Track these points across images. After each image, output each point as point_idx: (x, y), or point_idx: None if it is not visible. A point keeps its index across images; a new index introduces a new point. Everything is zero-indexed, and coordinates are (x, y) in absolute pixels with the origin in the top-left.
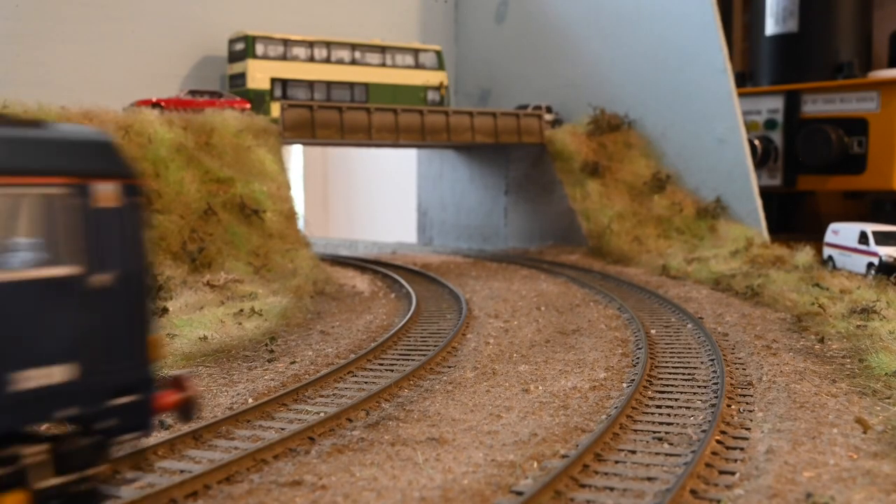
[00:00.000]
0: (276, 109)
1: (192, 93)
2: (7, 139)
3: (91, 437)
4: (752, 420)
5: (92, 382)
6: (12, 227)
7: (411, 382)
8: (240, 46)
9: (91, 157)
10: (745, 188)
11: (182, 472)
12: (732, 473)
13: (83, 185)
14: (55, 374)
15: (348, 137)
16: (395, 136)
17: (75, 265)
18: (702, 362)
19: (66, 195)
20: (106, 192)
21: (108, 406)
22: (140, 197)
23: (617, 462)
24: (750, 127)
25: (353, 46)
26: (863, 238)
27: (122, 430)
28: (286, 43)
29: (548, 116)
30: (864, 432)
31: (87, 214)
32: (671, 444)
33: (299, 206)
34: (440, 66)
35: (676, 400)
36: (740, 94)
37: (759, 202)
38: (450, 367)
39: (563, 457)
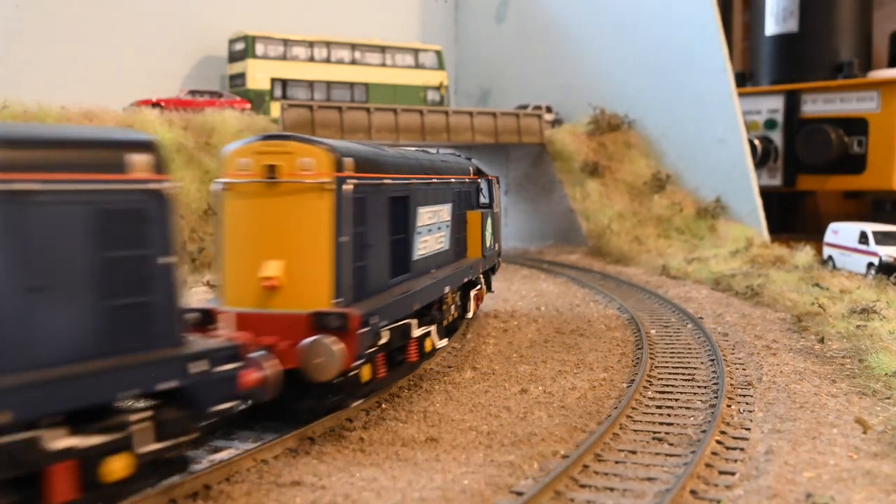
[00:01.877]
0: (276, 109)
1: (192, 93)
2: (474, 165)
3: (486, 274)
4: (751, 420)
5: (496, 251)
6: (482, 193)
7: (411, 383)
8: (240, 46)
9: (477, 168)
10: (745, 188)
11: None
12: (732, 474)
13: (477, 180)
14: (494, 247)
15: (348, 137)
16: (395, 136)
17: (490, 207)
18: (702, 362)
19: (479, 182)
20: (481, 180)
21: (497, 260)
22: (490, 180)
23: (617, 462)
24: (750, 127)
25: (353, 46)
26: (863, 238)
27: (495, 271)
28: (286, 43)
29: (548, 116)
30: (864, 432)
31: (487, 186)
32: (671, 444)
33: None
34: (440, 66)
35: (676, 400)
36: (740, 94)
37: (759, 202)
38: (449, 367)
39: (563, 457)
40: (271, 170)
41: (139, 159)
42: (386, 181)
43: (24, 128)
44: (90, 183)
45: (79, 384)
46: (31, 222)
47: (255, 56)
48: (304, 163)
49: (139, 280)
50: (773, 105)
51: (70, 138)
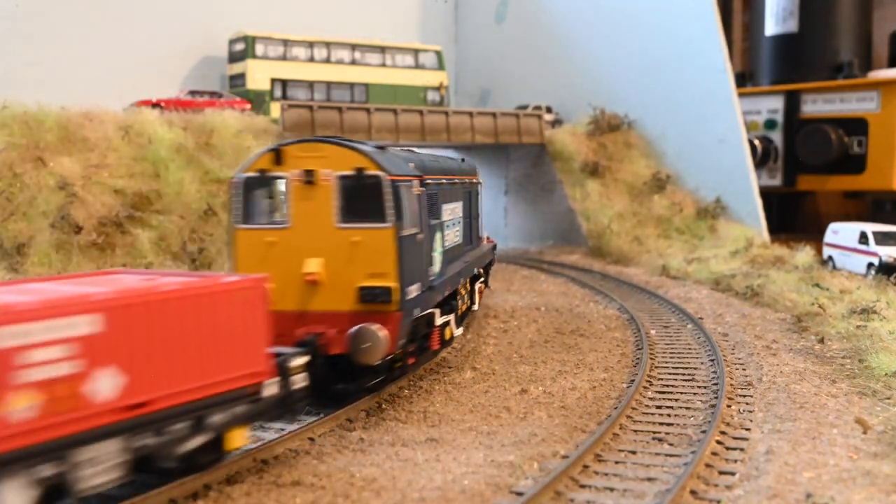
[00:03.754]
0: (276, 110)
1: (192, 93)
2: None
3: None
4: (751, 420)
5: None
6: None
7: (411, 383)
8: (240, 46)
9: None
10: (745, 188)
11: None
12: (732, 474)
13: (477, 182)
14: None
15: (349, 138)
16: (395, 137)
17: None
18: (702, 363)
19: (476, 183)
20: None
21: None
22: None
23: (617, 462)
24: (750, 127)
25: (353, 46)
26: (863, 238)
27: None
28: (286, 43)
29: (548, 116)
30: (864, 433)
31: (481, 188)
32: (671, 444)
33: None
34: (440, 66)
35: (676, 400)
36: (740, 94)
37: (759, 202)
38: (449, 367)
39: (564, 457)
40: None
41: (475, 171)
42: None
43: (457, 162)
44: (470, 180)
45: (483, 259)
46: (471, 194)
47: (255, 56)
48: None
49: (476, 216)
50: (773, 105)
51: (466, 167)
